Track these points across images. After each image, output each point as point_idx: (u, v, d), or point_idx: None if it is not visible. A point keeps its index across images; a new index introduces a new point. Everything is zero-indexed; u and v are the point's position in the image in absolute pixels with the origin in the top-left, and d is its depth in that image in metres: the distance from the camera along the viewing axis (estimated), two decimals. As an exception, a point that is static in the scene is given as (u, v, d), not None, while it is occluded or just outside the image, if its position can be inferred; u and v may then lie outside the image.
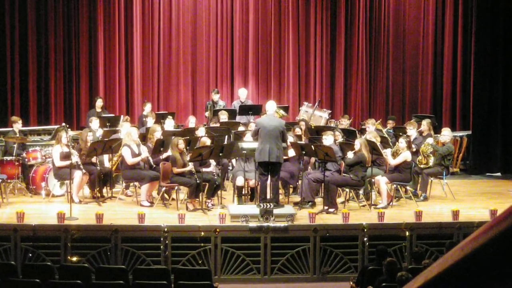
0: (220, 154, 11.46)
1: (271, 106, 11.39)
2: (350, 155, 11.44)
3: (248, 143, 11.62)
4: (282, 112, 14.64)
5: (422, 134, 13.21)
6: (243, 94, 15.85)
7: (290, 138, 11.88)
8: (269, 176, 10.97)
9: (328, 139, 11.68)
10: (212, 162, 11.95)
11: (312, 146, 11.48)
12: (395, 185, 11.94)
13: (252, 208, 10.82)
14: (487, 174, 15.71)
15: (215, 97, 15.57)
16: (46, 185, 12.15)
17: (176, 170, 11.33)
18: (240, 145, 11.63)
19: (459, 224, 10.64)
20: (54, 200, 12.05)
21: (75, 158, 11.51)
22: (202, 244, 10.22)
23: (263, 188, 11.05)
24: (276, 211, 10.49)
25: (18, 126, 13.06)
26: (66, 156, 11.51)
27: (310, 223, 10.47)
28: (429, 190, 12.51)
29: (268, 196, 10.99)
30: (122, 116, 14.82)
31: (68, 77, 16.50)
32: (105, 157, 12.43)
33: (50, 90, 16.31)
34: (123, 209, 11.52)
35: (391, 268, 7.60)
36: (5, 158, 12.46)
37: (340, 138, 12.62)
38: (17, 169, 12.29)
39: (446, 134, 12.89)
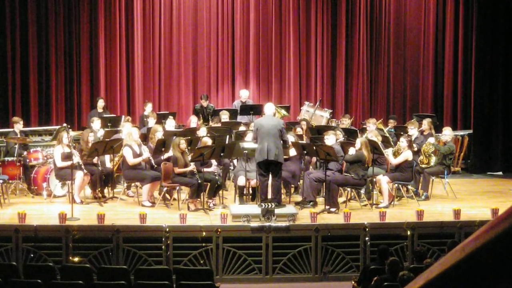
0: (222, 154, 11.46)
1: (269, 108, 11.38)
2: (352, 151, 11.44)
3: (249, 143, 11.62)
4: (283, 112, 14.65)
5: (423, 133, 13.21)
6: (245, 95, 15.84)
7: (292, 138, 11.88)
8: (270, 176, 10.97)
9: (330, 139, 11.67)
10: (214, 162, 11.95)
11: (314, 145, 11.48)
12: (396, 185, 11.93)
13: (253, 208, 10.82)
14: (489, 173, 15.71)
15: (204, 103, 15.51)
16: (48, 185, 12.16)
17: (178, 170, 11.33)
18: (241, 145, 11.63)
19: (460, 223, 10.63)
20: (55, 200, 12.06)
21: (77, 158, 11.51)
22: (203, 244, 10.22)
23: (263, 188, 11.05)
24: (278, 210, 10.49)
25: (19, 126, 13.06)
26: (67, 157, 11.51)
27: (311, 222, 10.47)
28: (431, 189, 12.51)
29: (269, 196, 10.99)
30: (123, 116, 14.82)
31: (69, 78, 16.52)
32: (107, 157, 12.44)
33: (51, 91, 16.33)
34: (125, 210, 11.52)
35: (394, 268, 7.60)
36: (6, 158, 12.46)
37: (341, 138, 12.62)
38: (19, 169, 12.30)
39: (447, 133, 12.88)
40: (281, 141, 10.98)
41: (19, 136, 12.87)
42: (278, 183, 11.06)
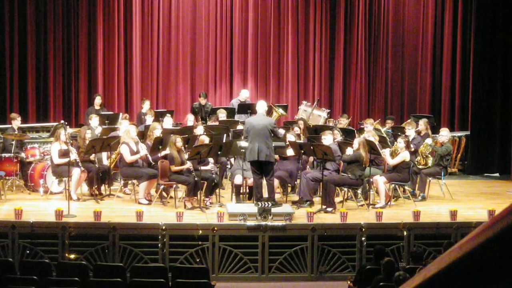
0: (219, 152, 11.46)
1: (261, 106, 11.34)
2: (349, 151, 11.44)
3: (246, 141, 11.62)
4: (281, 111, 14.64)
5: (419, 133, 13.22)
6: (245, 95, 15.78)
7: (290, 137, 11.88)
8: (264, 175, 10.95)
9: (327, 139, 11.67)
10: (211, 160, 11.95)
11: (311, 145, 11.48)
12: (393, 185, 11.94)
13: (250, 207, 10.82)
14: (485, 174, 15.73)
15: (203, 101, 15.51)
16: (44, 182, 12.15)
17: (174, 168, 11.33)
18: (238, 144, 11.62)
19: (457, 224, 10.64)
20: (52, 197, 12.05)
21: (74, 155, 11.50)
22: (200, 242, 10.22)
23: (257, 187, 11.03)
24: (274, 210, 10.49)
25: (17, 123, 13.04)
26: (64, 154, 11.51)
27: (308, 222, 10.47)
28: (427, 190, 12.51)
29: (264, 195, 10.98)
30: (121, 113, 14.82)
31: (67, 75, 16.49)
32: (104, 154, 12.43)
33: (49, 88, 16.30)
34: (121, 207, 11.52)
35: (389, 268, 7.60)
36: (3, 155, 12.45)
37: (339, 138, 12.62)
38: (16, 166, 12.29)
39: (444, 135, 12.89)
40: (272, 140, 10.95)
41: (16, 132, 12.85)
42: (271, 182, 11.04)
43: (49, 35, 16.25)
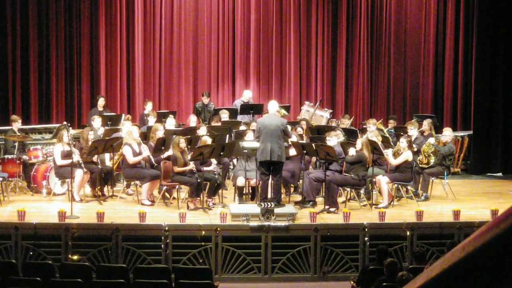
0: (221, 153, 11.46)
1: (272, 105, 11.39)
2: (352, 151, 11.44)
3: (249, 142, 11.62)
4: (283, 111, 14.64)
5: (423, 134, 13.22)
6: (248, 95, 15.78)
7: (293, 137, 11.89)
8: (271, 175, 10.98)
9: (332, 140, 11.66)
10: (213, 161, 11.95)
11: (313, 145, 11.48)
12: (396, 185, 11.93)
13: (253, 207, 10.83)
14: (488, 174, 15.71)
15: (206, 100, 15.51)
16: (47, 183, 12.16)
17: (177, 169, 11.33)
18: (241, 144, 11.63)
19: (460, 224, 10.63)
20: (55, 198, 12.06)
21: (77, 156, 11.51)
22: (202, 243, 10.22)
23: (264, 188, 11.05)
24: (277, 210, 10.49)
25: (17, 125, 13.05)
26: (67, 155, 11.52)
27: (311, 222, 10.47)
28: (430, 190, 12.50)
29: (269, 196, 11.00)
30: (123, 114, 14.82)
31: (69, 76, 16.51)
32: (106, 155, 12.45)
33: (52, 89, 16.32)
34: (124, 208, 11.52)
35: (392, 269, 7.59)
36: (6, 156, 12.46)
37: (341, 138, 12.62)
38: (18, 167, 12.30)
39: (447, 134, 12.88)
40: (284, 141, 11.00)
41: (17, 134, 12.85)
42: (279, 183, 11.07)
43: (51, 37, 16.27)
